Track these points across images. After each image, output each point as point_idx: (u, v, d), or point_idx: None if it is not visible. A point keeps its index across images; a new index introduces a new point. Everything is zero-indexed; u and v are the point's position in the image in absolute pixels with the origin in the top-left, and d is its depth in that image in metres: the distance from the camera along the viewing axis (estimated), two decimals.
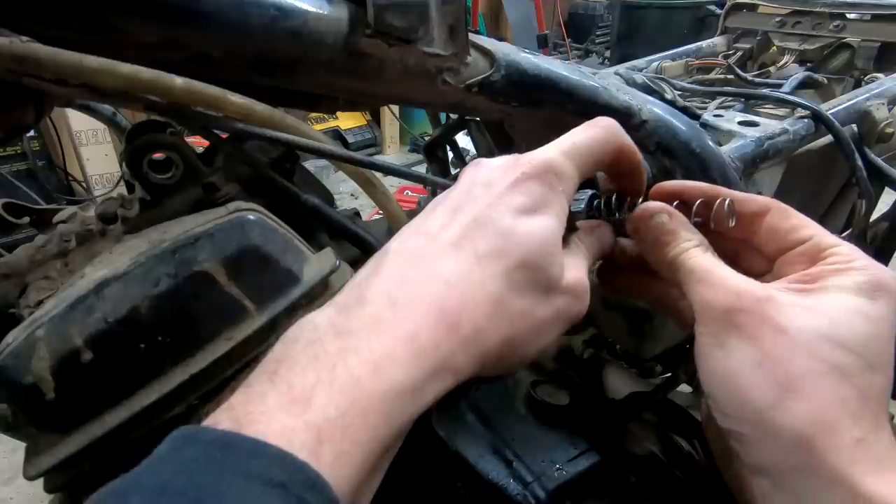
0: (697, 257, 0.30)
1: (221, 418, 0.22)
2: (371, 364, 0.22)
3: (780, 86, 0.84)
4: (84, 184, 2.60)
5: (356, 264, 0.51)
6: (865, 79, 0.94)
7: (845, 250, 0.29)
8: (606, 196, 0.36)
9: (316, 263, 0.38)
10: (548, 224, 0.28)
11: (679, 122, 0.52)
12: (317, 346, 0.23)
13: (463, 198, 0.29)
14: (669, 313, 0.35)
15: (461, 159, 0.77)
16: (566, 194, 0.30)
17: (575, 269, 0.30)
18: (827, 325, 0.26)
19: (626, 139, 0.33)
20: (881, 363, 0.26)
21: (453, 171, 0.76)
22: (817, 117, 0.67)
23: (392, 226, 0.46)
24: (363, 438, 0.21)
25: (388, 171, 0.44)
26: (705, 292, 0.29)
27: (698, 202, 0.33)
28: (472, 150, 0.72)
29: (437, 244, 0.27)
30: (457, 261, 0.26)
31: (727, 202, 0.31)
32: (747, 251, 0.33)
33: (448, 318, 0.25)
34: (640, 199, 0.34)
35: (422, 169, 0.65)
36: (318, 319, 0.25)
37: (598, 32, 5.03)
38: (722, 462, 0.32)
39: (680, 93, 0.69)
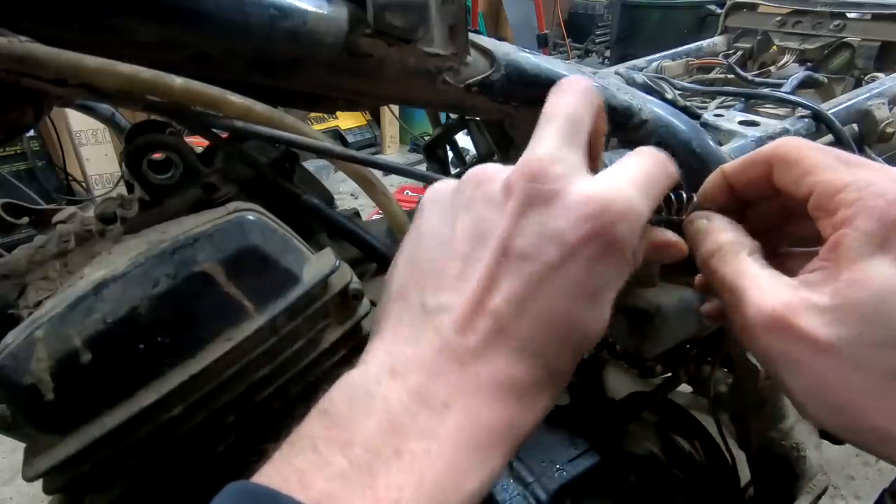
0: (744, 263, 0.28)
1: (293, 486, 0.22)
2: (454, 476, 0.24)
3: (780, 85, 0.84)
4: (84, 184, 2.60)
5: (356, 264, 0.51)
6: (866, 78, 0.94)
7: (852, 193, 0.24)
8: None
9: (316, 263, 0.38)
10: (607, 312, 0.27)
11: (679, 122, 0.51)
12: (398, 437, 0.24)
13: (528, 245, 0.25)
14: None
15: (461, 159, 0.77)
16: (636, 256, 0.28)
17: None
18: (857, 331, 0.22)
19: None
20: None
21: (453, 171, 0.76)
22: (818, 117, 0.67)
23: (392, 226, 0.46)
24: None
25: (388, 169, 0.44)
26: (753, 297, 0.26)
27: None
28: (472, 150, 0.72)
29: (505, 335, 0.26)
30: (524, 370, 0.26)
31: (683, 195, 0.32)
32: (797, 219, 0.30)
33: (509, 433, 0.26)
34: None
35: (422, 169, 0.65)
36: (391, 397, 0.25)
37: (598, 32, 5.02)
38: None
39: (680, 92, 0.69)
